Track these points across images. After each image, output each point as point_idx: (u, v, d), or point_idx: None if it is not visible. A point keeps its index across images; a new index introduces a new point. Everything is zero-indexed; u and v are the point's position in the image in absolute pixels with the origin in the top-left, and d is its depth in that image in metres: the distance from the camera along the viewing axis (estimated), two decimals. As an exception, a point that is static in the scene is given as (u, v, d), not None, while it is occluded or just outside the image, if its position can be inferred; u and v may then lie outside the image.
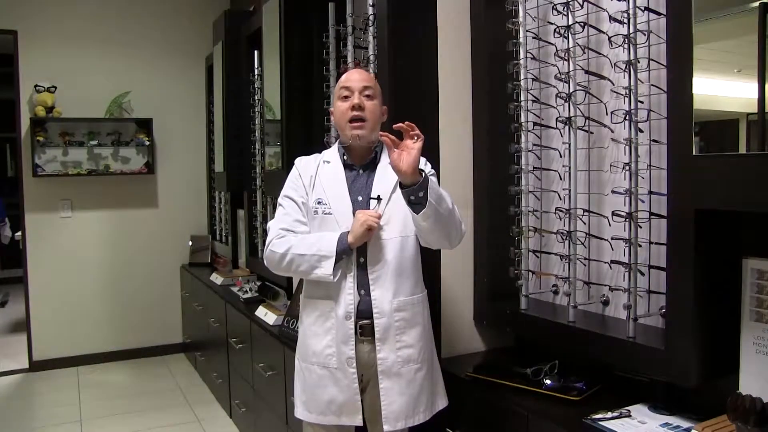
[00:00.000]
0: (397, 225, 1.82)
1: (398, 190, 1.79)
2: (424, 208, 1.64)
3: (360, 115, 1.81)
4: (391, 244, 1.82)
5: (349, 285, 1.81)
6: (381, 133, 1.64)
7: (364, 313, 1.81)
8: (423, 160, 1.84)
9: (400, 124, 1.62)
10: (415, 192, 1.63)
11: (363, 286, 1.82)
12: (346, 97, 1.83)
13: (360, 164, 1.89)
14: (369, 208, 1.82)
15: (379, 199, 1.82)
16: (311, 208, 1.86)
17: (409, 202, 1.66)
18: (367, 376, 1.86)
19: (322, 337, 1.85)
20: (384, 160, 1.88)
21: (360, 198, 1.85)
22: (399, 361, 1.81)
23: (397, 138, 1.63)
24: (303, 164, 1.94)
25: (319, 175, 1.89)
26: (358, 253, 1.81)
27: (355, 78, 1.86)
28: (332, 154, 1.94)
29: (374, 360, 1.82)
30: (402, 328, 1.82)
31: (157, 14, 4.85)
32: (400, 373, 1.81)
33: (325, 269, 1.76)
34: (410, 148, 1.61)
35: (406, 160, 1.61)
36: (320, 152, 1.98)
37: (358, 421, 1.83)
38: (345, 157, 1.90)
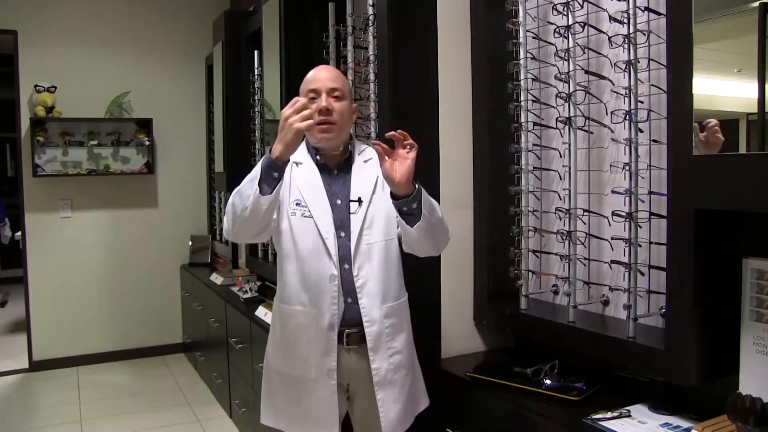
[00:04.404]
0: (381, 228, 1.76)
1: (378, 192, 1.75)
2: (417, 221, 1.59)
3: (328, 119, 1.70)
4: (376, 248, 1.75)
5: (334, 292, 1.72)
6: (374, 141, 1.58)
7: (350, 321, 1.74)
8: None
9: (393, 133, 1.56)
10: (408, 203, 1.58)
11: (349, 293, 1.74)
12: (313, 99, 1.71)
13: (334, 165, 1.80)
14: (350, 211, 1.75)
15: (360, 201, 1.75)
16: (288, 208, 1.75)
17: (401, 213, 1.61)
18: (354, 386, 1.80)
19: (300, 347, 1.76)
20: (358, 160, 1.81)
21: (339, 201, 1.77)
22: (391, 369, 1.77)
23: (390, 146, 1.57)
24: None
25: (293, 177, 1.77)
26: (342, 259, 1.73)
27: (322, 77, 1.74)
28: (302, 155, 1.81)
29: (363, 369, 1.76)
30: (391, 335, 1.77)
31: (157, 14, 4.85)
32: (393, 380, 1.77)
33: (255, 190, 1.55)
34: (404, 158, 1.55)
35: (400, 171, 1.54)
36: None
37: None
38: (318, 158, 1.80)
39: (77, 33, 4.62)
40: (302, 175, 1.78)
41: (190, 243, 4.93)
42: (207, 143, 4.97)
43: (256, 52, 3.63)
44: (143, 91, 4.80)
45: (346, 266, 1.74)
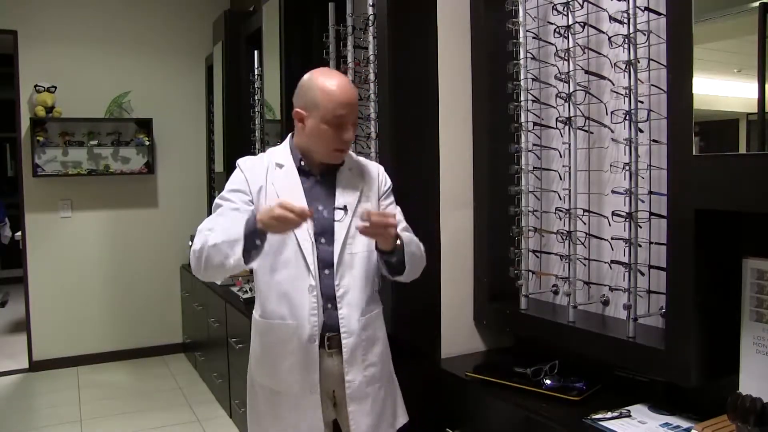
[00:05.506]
0: (363, 239, 1.70)
1: (363, 202, 1.76)
2: (399, 274, 1.71)
3: (346, 147, 1.73)
4: (359, 259, 1.74)
5: (313, 303, 1.69)
6: (357, 225, 1.61)
7: (331, 326, 1.72)
8: (384, 177, 1.84)
9: (367, 215, 1.57)
10: (391, 257, 1.68)
11: (329, 299, 1.71)
12: (338, 125, 1.65)
13: (318, 171, 1.75)
14: (334, 219, 1.71)
15: (345, 209, 1.71)
16: None
17: (385, 263, 1.71)
18: (340, 392, 1.76)
19: (281, 361, 1.73)
20: (343, 168, 1.77)
21: (321, 207, 1.72)
22: (365, 382, 1.75)
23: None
24: (249, 166, 1.75)
25: (271, 181, 1.72)
26: (322, 266, 1.70)
27: (353, 103, 1.67)
28: (284, 156, 1.76)
29: (343, 375, 1.74)
30: (367, 347, 1.76)
31: (157, 14, 4.85)
32: (366, 393, 1.75)
33: (236, 255, 1.52)
34: (386, 228, 1.61)
35: (382, 242, 1.65)
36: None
37: None
38: (302, 163, 1.75)
39: (77, 33, 4.62)
40: (281, 179, 1.73)
41: (190, 243, 4.92)
42: (207, 143, 4.96)
43: (256, 52, 3.63)
44: (143, 91, 4.80)
45: (326, 272, 1.71)
